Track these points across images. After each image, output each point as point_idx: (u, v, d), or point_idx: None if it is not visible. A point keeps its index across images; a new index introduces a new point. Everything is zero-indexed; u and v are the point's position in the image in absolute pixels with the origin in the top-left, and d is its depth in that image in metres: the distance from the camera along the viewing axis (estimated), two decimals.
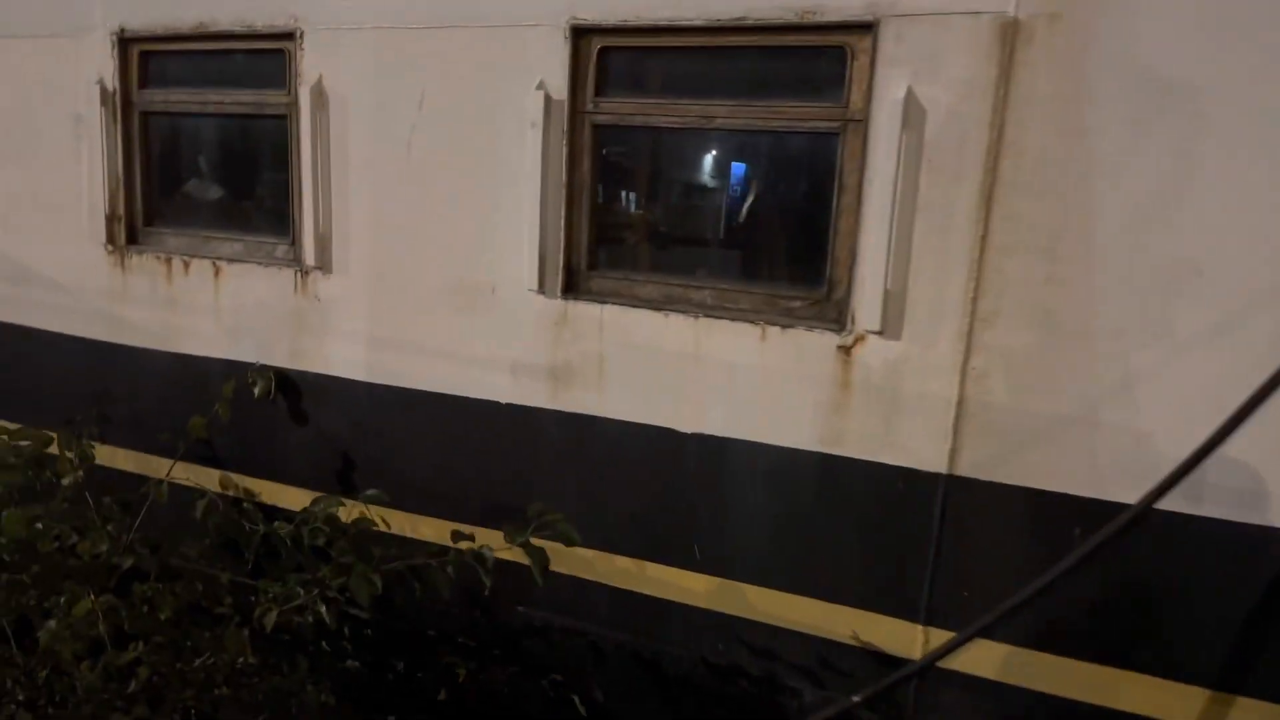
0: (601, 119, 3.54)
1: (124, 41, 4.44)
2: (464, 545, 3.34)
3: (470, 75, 3.69)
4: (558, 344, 3.68)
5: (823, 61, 3.21)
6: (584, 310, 3.62)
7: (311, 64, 4.00)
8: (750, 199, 3.54)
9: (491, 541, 3.29)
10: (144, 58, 4.48)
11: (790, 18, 3.16)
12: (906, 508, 3.24)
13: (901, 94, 3.01)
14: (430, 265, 3.88)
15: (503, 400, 3.80)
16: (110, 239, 4.62)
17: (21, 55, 4.80)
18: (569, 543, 3.14)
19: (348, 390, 4.15)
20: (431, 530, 4.04)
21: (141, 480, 4.52)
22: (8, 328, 5.03)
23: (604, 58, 3.51)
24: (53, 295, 4.87)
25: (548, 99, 3.53)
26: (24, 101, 4.84)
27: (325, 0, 3.93)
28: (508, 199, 3.67)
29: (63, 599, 3.44)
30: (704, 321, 3.44)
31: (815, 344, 3.29)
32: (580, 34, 3.49)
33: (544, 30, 3.51)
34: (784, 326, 3.32)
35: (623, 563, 3.74)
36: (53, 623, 3.32)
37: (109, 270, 4.66)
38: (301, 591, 3.38)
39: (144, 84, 4.51)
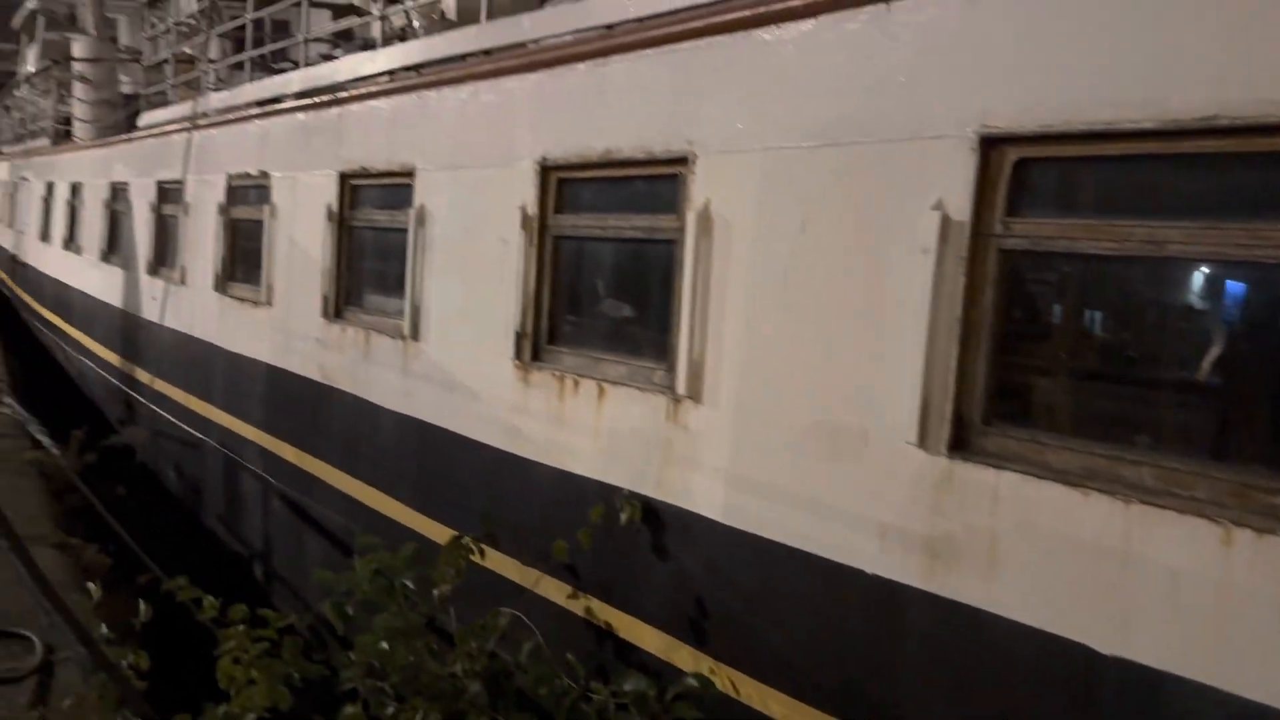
0: (1011, 243, 2.90)
1: (544, 170, 4.67)
2: None
3: (856, 195, 3.26)
4: (938, 512, 3.02)
5: None
6: (974, 474, 2.93)
7: (700, 188, 3.85)
8: (1214, 349, 2.65)
9: None
10: (560, 185, 4.67)
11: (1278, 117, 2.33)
12: None
13: None
14: (798, 403, 3.45)
15: (867, 569, 3.20)
16: (518, 354, 4.81)
17: (467, 184, 5.30)
18: None
19: (706, 530, 3.82)
20: (781, 710, 3.50)
21: (519, 591, 4.56)
22: (435, 430, 5.47)
23: (1019, 171, 2.89)
24: (471, 403, 5.20)
25: (945, 220, 2.97)
26: (466, 225, 5.32)
27: (720, 124, 3.78)
28: (890, 334, 3.14)
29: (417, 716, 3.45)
30: (1138, 508, 2.59)
31: None
32: (990, 145, 2.91)
33: (947, 142, 2.99)
34: (1261, 530, 2.38)
35: None
36: None
37: (515, 384, 4.86)
38: None
39: (558, 209, 4.69)
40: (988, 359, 2.95)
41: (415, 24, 7.63)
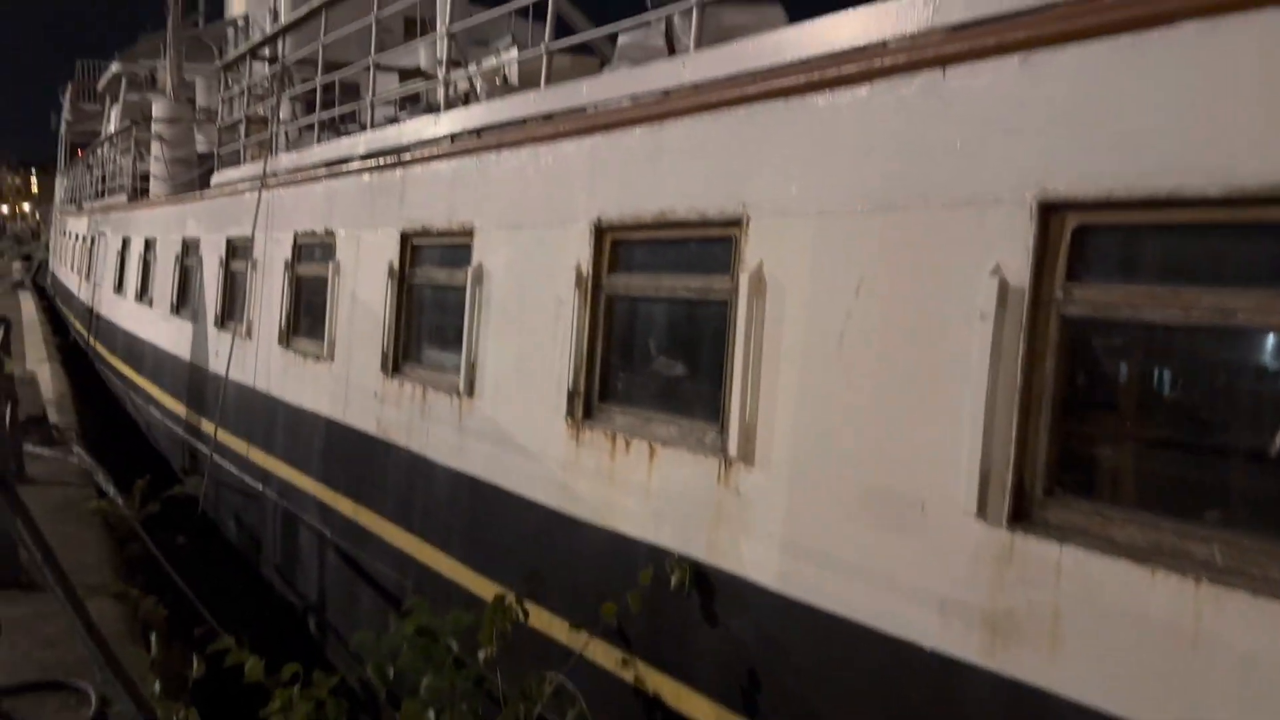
0: (1073, 310, 2.84)
1: (599, 230, 4.72)
2: None
3: (912, 259, 3.23)
4: (999, 586, 2.92)
5: None
6: (1036, 548, 2.84)
7: (754, 250, 3.85)
8: None
9: None
10: (614, 245, 4.71)
11: None
12: None
13: None
14: (853, 469, 3.39)
15: (926, 645, 3.10)
16: (570, 412, 4.83)
17: (524, 244, 5.37)
18: None
19: (759, 598, 3.74)
20: None
21: (566, 654, 4.52)
22: (487, 486, 5.49)
23: (1079, 237, 2.84)
24: (523, 460, 5.21)
25: (1003, 285, 2.93)
26: (522, 284, 5.38)
27: (773, 187, 3.79)
28: (948, 400, 3.08)
29: None
30: (1209, 589, 2.48)
31: None
32: (1049, 210, 2.87)
33: (1004, 207, 2.95)
34: None
35: None
36: None
37: (566, 442, 4.86)
38: None
39: (612, 269, 4.73)
40: (1049, 428, 2.87)
41: (478, 87, 7.85)
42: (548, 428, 4.99)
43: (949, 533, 3.04)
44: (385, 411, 6.66)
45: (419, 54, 12.02)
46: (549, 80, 5.41)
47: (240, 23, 20.89)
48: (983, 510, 2.95)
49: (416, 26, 14.65)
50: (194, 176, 15.27)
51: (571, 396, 4.83)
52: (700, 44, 4.43)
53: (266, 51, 10.96)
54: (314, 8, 8.59)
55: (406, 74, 10.71)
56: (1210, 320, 2.56)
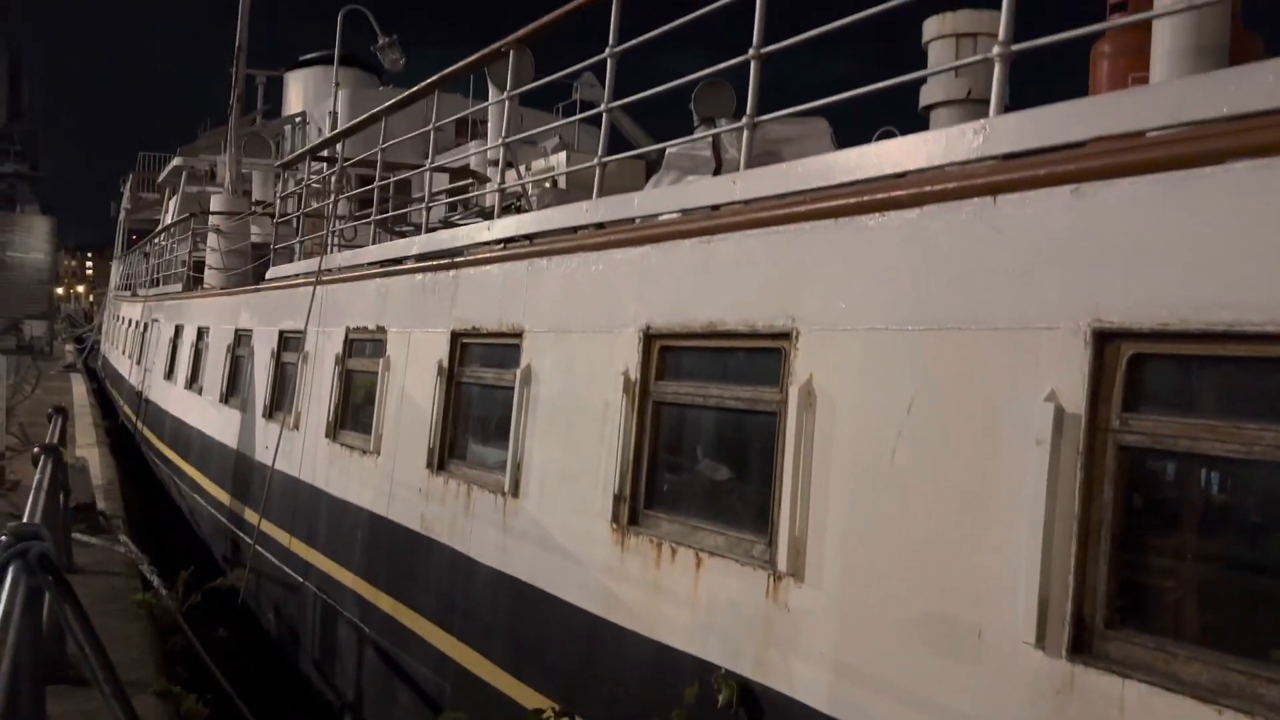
0: (1131, 439, 2.84)
1: (648, 338, 4.80)
2: None
3: (966, 381, 3.25)
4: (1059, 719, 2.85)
5: None
6: (1097, 682, 2.78)
7: (803, 363, 3.89)
8: None
9: None
10: (663, 352, 4.78)
11: None
12: None
13: None
14: (907, 591, 3.36)
15: None
16: (615, 518, 4.83)
17: (572, 348, 5.46)
18: None
19: None
20: None
21: None
22: (531, 589, 5.47)
23: (1135, 366, 2.85)
24: (568, 565, 5.20)
25: (1059, 412, 2.93)
26: (569, 387, 5.45)
27: (823, 302, 3.85)
28: (1003, 525, 3.06)
29: None
30: None
31: None
32: (1105, 339, 2.89)
33: (1059, 334, 2.98)
34: None
35: None
36: None
37: (611, 547, 4.85)
38: None
39: (660, 375, 4.79)
40: (1109, 558, 2.84)
41: (529, 190, 8.09)
42: (592, 531, 4.99)
43: (1007, 662, 2.99)
44: (429, 508, 6.70)
45: (469, 151, 12.42)
46: (601, 191, 5.57)
47: (298, 119, 21.80)
48: (1041, 640, 2.90)
49: (468, 128, 15.19)
50: (248, 268, 15.79)
51: (617, 501, 4.84)
52: (749, 157, 4.55)
53: (325, 151, 11.42)
54: (374, 114, 8.95)
55: (457, 173, 11.08)
56: (1273, 457, 2.54)
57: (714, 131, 5.35)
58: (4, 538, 2.93)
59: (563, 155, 8.62)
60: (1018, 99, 3.44)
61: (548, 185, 8.28)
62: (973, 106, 6.02)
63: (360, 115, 14.98)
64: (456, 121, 13.62)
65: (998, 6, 3.40)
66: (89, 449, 14.84)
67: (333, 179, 9.52)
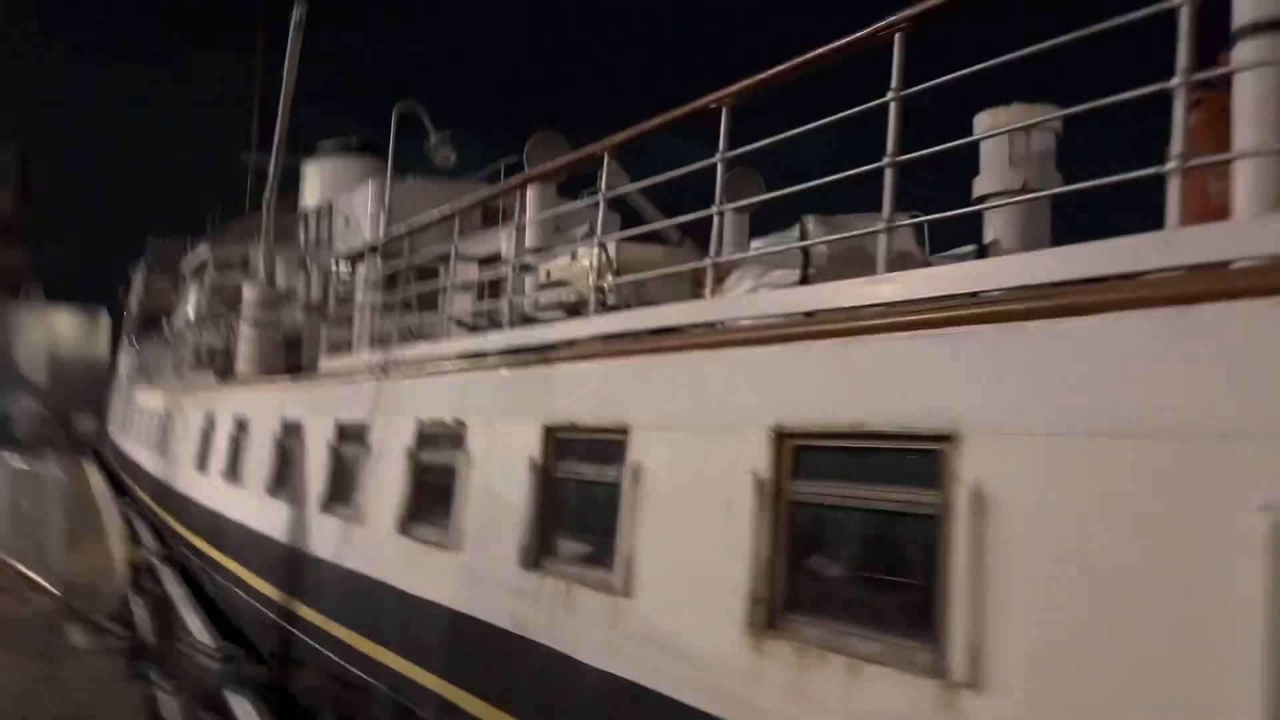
0: None
1: (779, 436, 4.82)
2: None
3: (1160, 489, 3.27)
4: None
5: None
6: None
7: (970, 466, 3.91)
8: None
9: None
10: (796, 451, 4.79)
11: None
12: None
13: None
14: (1108, 703, 3.32)
15: None
16: (750, 620, 4.78)
17: (688, 445, 5.47)
18: None
19: None
20: None
21: None
22: (648, 692, 5.37)
23: None
24: (692, 668, 5.12)
25: (1276, 525, 2.95)
26: (686, 484, 5.44)
27: (989, 405, 3.89)
28: (1216, 646, 3.04)
29: None
30: None
31: None
32: None
33: (1272, 442, 3.02)
34: None
35: None
36: None
37: (745, 652, 4.78)
38: None
39: (795, 475, 4.79)
40: None
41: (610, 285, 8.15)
42: (721, 634, 4.93)
43: None
44: (522, 606, 6.61)
45: (499, 240, 12.31)
46: (711, 293, 5.65)
47: (325, 208, 21.98)
48: None
49: (499, 214, 15.39)
50: (281, 357, 15.84)
51: (752, 603, 4.79)
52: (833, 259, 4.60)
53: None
54: (446, 215, 9.11)
55: (486, 260, 11.01)
56: None
57: (802, 244, 5.45)
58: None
59: (657, 250, 8.51)
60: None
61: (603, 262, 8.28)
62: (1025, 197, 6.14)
63: (390, 205, 15.34)
64: (482, 209, 13.86)
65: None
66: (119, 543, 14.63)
67: (400, 271, 9.59)
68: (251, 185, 28.01)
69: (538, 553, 6.59)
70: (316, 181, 24.25)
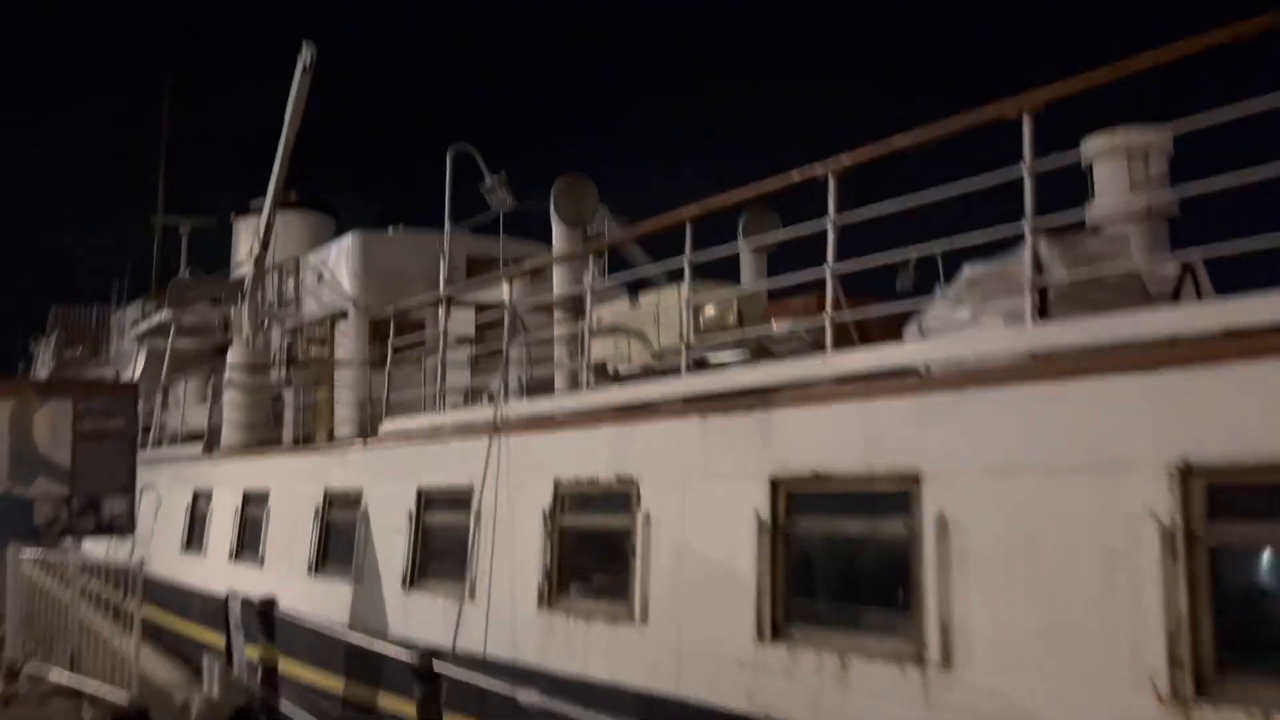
0: None
1: (1186, 474, 4.21)
2: None
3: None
4: None
5: None
6: None
7: None
8: None
9: None
10: (1211, 491, 4.19)
11: None
12: None
13: None
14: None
15: None
16: (1172, 688, 4.10)
17: (1023, 491, 4.79)
18: None
19: None
20: None
21: None
22: None
23: None
24: None
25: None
26: (1024, 536, 4.75)
27: None
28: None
29: None
30: None
31: None
32: None
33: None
34: None
35: None
36: None
37: None
38: None
39: (1212, 516, 4.18)
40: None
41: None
42: (1116, 708, 4.24)
43: None
44: (763, 683, 5.77)
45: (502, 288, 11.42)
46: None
47: (290, 264, 20.43)
48: None
49: (500, 265, 14.55)
50: (271, 427, 14.55)
51: (1171, 667, 4.12)
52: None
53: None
54: (542, 262, 8.33)
55: (482, 306, 10.25)
56: None
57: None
58: None
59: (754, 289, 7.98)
60: None
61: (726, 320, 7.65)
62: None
63: (371, 261, 14.63)
64: (468, 259, 13.56)
65: None
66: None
67: (506, 322, 8.69)
68: (159, 247, 26.75)
69: (775, 621, 5.78)
70: (249, 239, 22.82)
